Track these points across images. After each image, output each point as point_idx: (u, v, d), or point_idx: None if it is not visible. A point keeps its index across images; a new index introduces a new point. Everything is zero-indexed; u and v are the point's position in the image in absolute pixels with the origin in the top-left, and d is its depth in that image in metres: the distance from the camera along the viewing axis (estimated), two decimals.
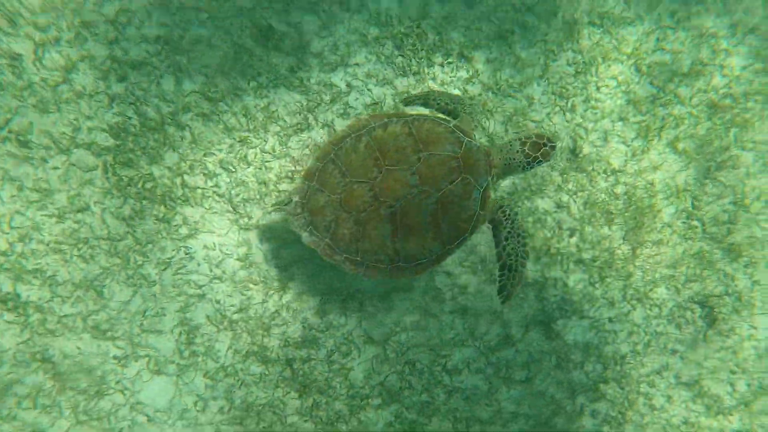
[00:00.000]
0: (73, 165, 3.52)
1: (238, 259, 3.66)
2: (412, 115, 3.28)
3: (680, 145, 4.29)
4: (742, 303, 4.17)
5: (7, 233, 3.40)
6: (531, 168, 3.39)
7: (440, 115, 3.46)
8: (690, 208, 4.22)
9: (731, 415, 4.06)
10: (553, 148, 3.34)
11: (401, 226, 3.10)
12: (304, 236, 3.19)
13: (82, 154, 3.54)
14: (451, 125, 3.26)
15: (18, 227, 3.42)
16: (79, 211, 3.49)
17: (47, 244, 3.43)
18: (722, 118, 4.38)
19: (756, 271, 4.22)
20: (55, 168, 3.50)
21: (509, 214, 3.33)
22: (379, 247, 3.14)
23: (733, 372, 4.13)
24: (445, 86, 4.14)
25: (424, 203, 3.09)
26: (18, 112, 3.50)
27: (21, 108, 3.50)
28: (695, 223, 4.21)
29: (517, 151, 3.33)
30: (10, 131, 3.48)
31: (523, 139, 3.34)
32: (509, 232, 3.33)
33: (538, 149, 3.32)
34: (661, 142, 4.29)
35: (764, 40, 4.57)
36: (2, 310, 3.36)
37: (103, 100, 3.62)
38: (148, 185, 3.59)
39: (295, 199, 3.20)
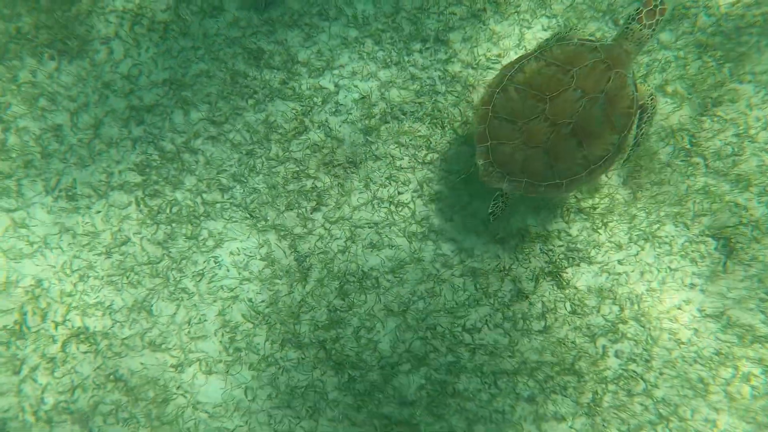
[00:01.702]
0: (112, 205, 3.94)
1: (261, 259, 3.94)
2: (533, 52, 3.56)
3: (669, 88, 4.10)
4: (762, 231, 3.94)
5: (70, 276, 3.87)
6: (656, 32, 3.67)
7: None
8: (688, 146, 4.03)
9: None
10: (664, 2, 3.48)
11: (583, 136, 3.39)
12: (505, 186, 3.53)
13: (117, 195, 3.96)
14: (575, 41, 3.54)
15: (77, 269, 3.89)
16: (122, 244, 3.90)
17: (101, 279, 3.87)
18: (713, 56, 4.15)
19: None
20: (98, 212, 3.94)
21: (653, 102, 3.61)
22: (571, 163, 3.44)
23: (763, 300, 3.92)
24: (426, 70, 4.20)
25: (595, 108, 3.37)
26: (64, 172, 3.97)
27: (66, 168, 3.97)
28: (696, 159, 4.02)
29: (639, 29, 3.49)
30: (60, 190, 3.95)
31: (636, 15, 3.50)
32: (649, 117, 3.63)
33: (654, 15, 3.49)
34: (648, 89, 4.12)
35: None
36: (77, 343, 3.82)
37: (127, 145, 4.01)
38: (175, 209, 3.94)
39: (480, 162, 3.53)
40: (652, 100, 3.60)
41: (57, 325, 3.86)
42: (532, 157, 3.43)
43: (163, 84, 4.11)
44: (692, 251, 3.96)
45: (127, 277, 3.88)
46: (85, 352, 3.82)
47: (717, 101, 4.12)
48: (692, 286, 3.95)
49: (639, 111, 3.56)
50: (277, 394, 3.84)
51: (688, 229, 3.97)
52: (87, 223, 3.92)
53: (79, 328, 3.83)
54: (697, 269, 3.95)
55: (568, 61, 3.41)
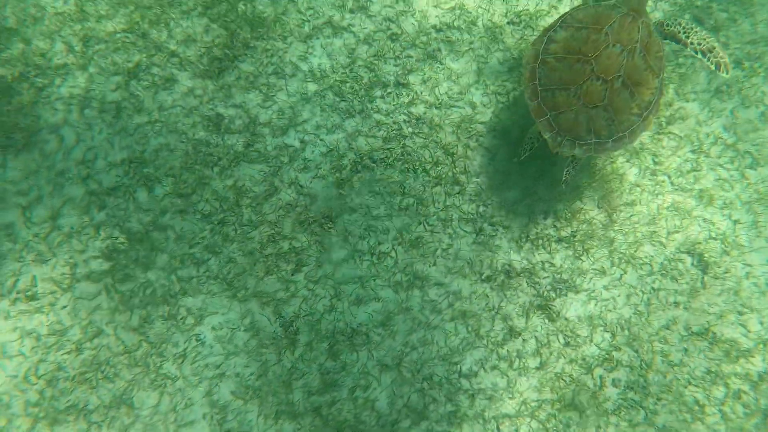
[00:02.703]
0: (79, 298, 3.65)
1: (245, 330, 3.71)
2: (555, 23, 3.61)
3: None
4: (729, 244, 3.92)
5: (35, 384, 3.53)
6: None
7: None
8: (652, 165, 3.99)
9: (752, 356, 3.80)
10: None
11: (633, 86, 3.47)
12: (578, 152, 3.55)
13: (84, 286, 3.66)
14: (590, 2, 3.73)
15: (43, 374, 3.55)
16: (94, 337, 3.61)
17: (73, 379, 3.55)
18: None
19: (733, 211, 3.96)
20: (63, 307, 3.63)
21: (671, 23, 3.79)
22: (628, 114, 3.51)
23: (740, 313, 3.88)
24: (390, 115, 4.07)
25: (636, 58, 3.47)
26: (21, 272, 3.66)
27: (23, 267, 3.66)
28: (661, 177, 3.98)
29: None
30: (18, 292, 3.63)
31: None
32: (683, 30, 3.77)
33: None
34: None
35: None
36: None
37: (90, 232, 3.74)
38: (148, 291, 3.69)
39: (547, 135, 3.56)
40: (667, 27, 3.79)
41: None
42: (594, 117, 3.49)
43: (122, 164, 3.87)
44: (671, 269, 3.89)
45: (102, 372, 3.59)
46: None
47: (670, 120, 4.12)
48: (676, 304, 3.87)
49: (671, 38, 3.79)
50: None
51: (665, 247, 3.91)
52: (52, 322, 3.62)
53: None
54: (678, 287, 3.88)
55: (596, 21, 3.50)
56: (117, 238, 3.74)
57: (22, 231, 3.68)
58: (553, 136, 3.55)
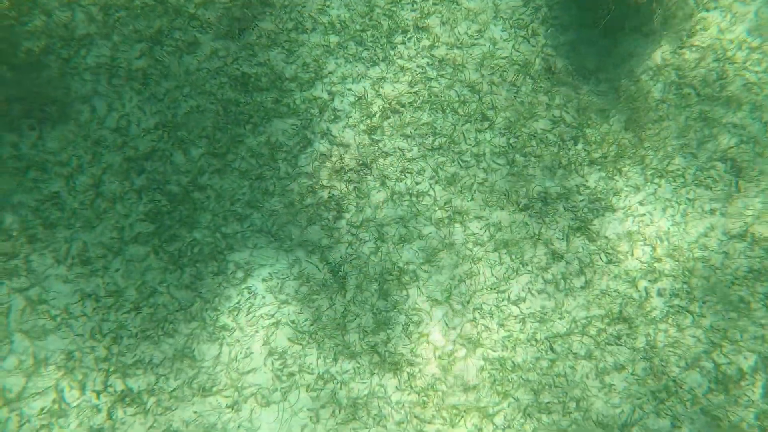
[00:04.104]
0: (130, 260, 3.62)
1: (295, 279, 3.68)
2: None
3: (644, 28, 4.05)
4: (761, 145, 3.91)
5: (102, 341, 3.53)
6: None
7: None
8: (677, 79, 3.99)
9: None
10: None
11: None
12: None
13: (134, 248, 3.63)
14: None
15: (108, 332, 3.54)
16: (149, 296, 3.59)
17: (136, 336, 3.54)
18: None
19: (764, 113, 3.95)
20: (117, 269, 3.60)
21: None
22: None
23: None
24: (413, 59, 4.05)
25: None
26: (72, 238, 3.62)
27: (74, 234, 3.63)
28: (687, 90, 3.97)
29: None
30: (72, 257, 3.60)
31: None
32: None
33: None
34: (625, 32, 4.07)
35: None
36: (124, 407, 3.48)
37: (132, 197, 3.70)
38: (196, 249, 3.66)
39: None
40: None
41: (98, 393, 3.51)
42: None
43: (156, 129, 3.83)
44: (705, 178, 3.89)
45: (162, 328, 3.57)
46: (134, 414, 3.48)
47: (691, 32, 4.10)
48: (712, 211, 3.88)
49: None
50: (340, 409, 3.59)
51: (696, 157, 3.91)
52: (108, 283, 3.59)
53: (122, 391, 3.50)
54: (713, 194, 3.89)
55: None
56: (159, 201, 3.70)
57: (68, 199, 3.64)
58: None
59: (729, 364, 3.71)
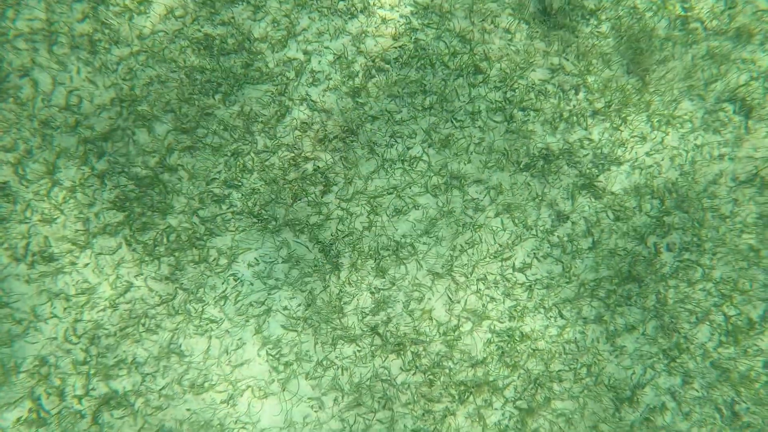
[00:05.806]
0: (100, 253, 3.20)
1: (284, 262, 3.33)
2: None
3: None
4: None
5: (78, 343, 3.16)
6: None
7: None
8: (682, 13, 3.61)
9: None
10: None
11: None
12: None
13: (102, 240, 3.21)
14: None
15: (84, 333, 3.17)
16: (125, 292, 3.20)
17: (115, 335, 3.17)
18: None
19: None
20: (86, 264, 3.19)
21: None
22: None
23: None
24: (395, 8, 3.58)
25: None
26: (30, 233, 3.18)
27: (31, 229, 3.18)
28: (694, 24, 3.60)
29: None
30: (33, 255, 3.17)
31: None
32: None
33: None
34: None
35: None
36: (109, 411, 3.16)
37: (94, 183, 3.25)
38: (172, 237, 3.26)
39: None
40: None
41: (80, 398, 3.18)
42: None
43: (113, 104, 3.33)
44: (713, 122, 3.59)
45: (143, 325, 3.21)
46: (122, 417, 3.18)
47: None
48: (721, 157, 3.60)
49: None
50: (342, 395, 3.33)
51: (704, 100, 3.60)
52: (78, 281, 3.19)
53: (106, 393, 3.17)
54: (721, 138, 3.60)
55: None
56: (125, 186, 3.26)
57: (20, 190, 3.17)
58: None
59: (739, 315, 3.54)
